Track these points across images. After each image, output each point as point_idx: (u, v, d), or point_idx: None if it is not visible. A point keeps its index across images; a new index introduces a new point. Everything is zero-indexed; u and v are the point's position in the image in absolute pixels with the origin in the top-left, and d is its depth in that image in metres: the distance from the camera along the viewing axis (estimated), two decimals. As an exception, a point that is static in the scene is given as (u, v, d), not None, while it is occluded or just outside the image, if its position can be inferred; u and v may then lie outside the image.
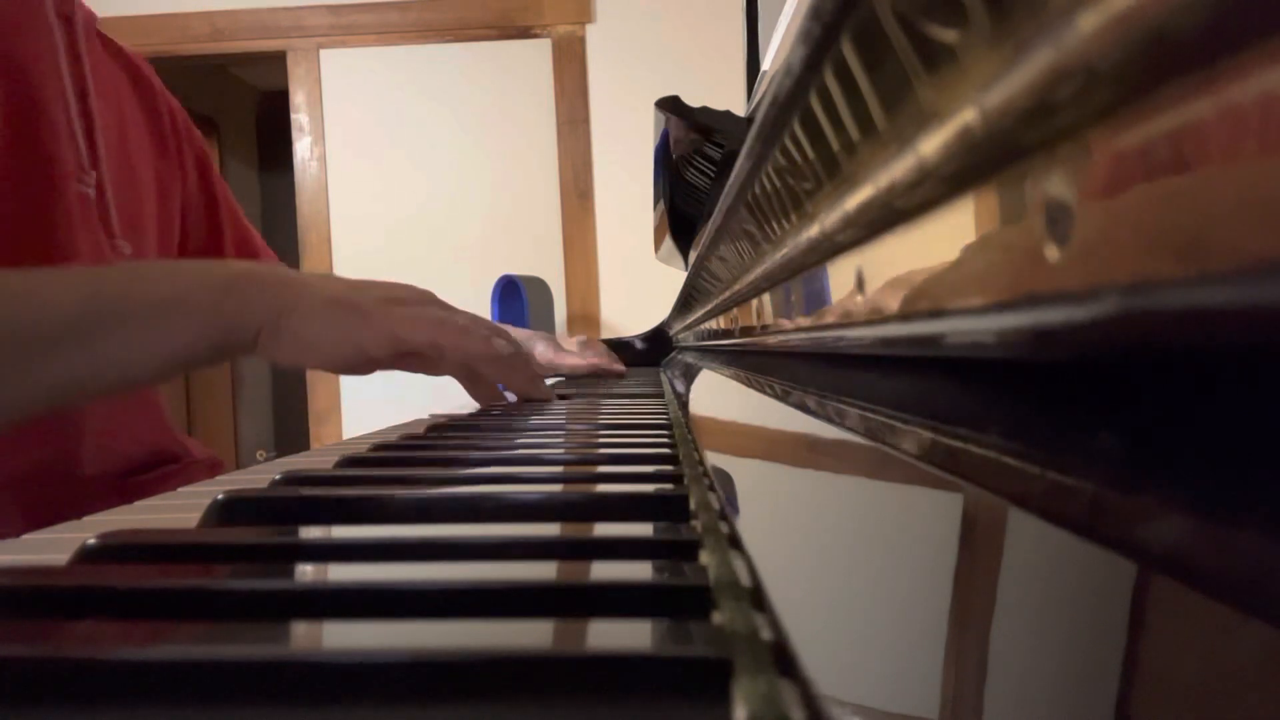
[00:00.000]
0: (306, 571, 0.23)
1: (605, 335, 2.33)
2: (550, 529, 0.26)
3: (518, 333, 1.02)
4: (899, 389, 0.24)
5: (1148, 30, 0.09)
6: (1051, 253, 0.12)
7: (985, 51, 0.13)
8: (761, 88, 0.54)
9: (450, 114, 2.97)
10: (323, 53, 2.97)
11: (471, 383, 0.68)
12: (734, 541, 0.23)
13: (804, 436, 0.29)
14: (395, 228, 2.98)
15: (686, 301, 1.10)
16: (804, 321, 0.33)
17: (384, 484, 0.34)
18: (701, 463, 0.37)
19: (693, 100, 0.80)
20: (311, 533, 0.28)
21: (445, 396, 0.70)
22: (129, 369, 0.53)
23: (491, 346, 0.63)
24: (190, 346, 0.53)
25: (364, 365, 0.58)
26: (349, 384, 2.90)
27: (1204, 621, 0.09)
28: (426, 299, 0.63)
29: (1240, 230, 0.08)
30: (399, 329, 0.57)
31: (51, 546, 0.29)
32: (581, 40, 2.89)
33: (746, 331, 0.54)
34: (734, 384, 0.55)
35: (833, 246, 0.26)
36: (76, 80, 0.71)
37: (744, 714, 0.14)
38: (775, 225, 0.35)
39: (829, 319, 0.28)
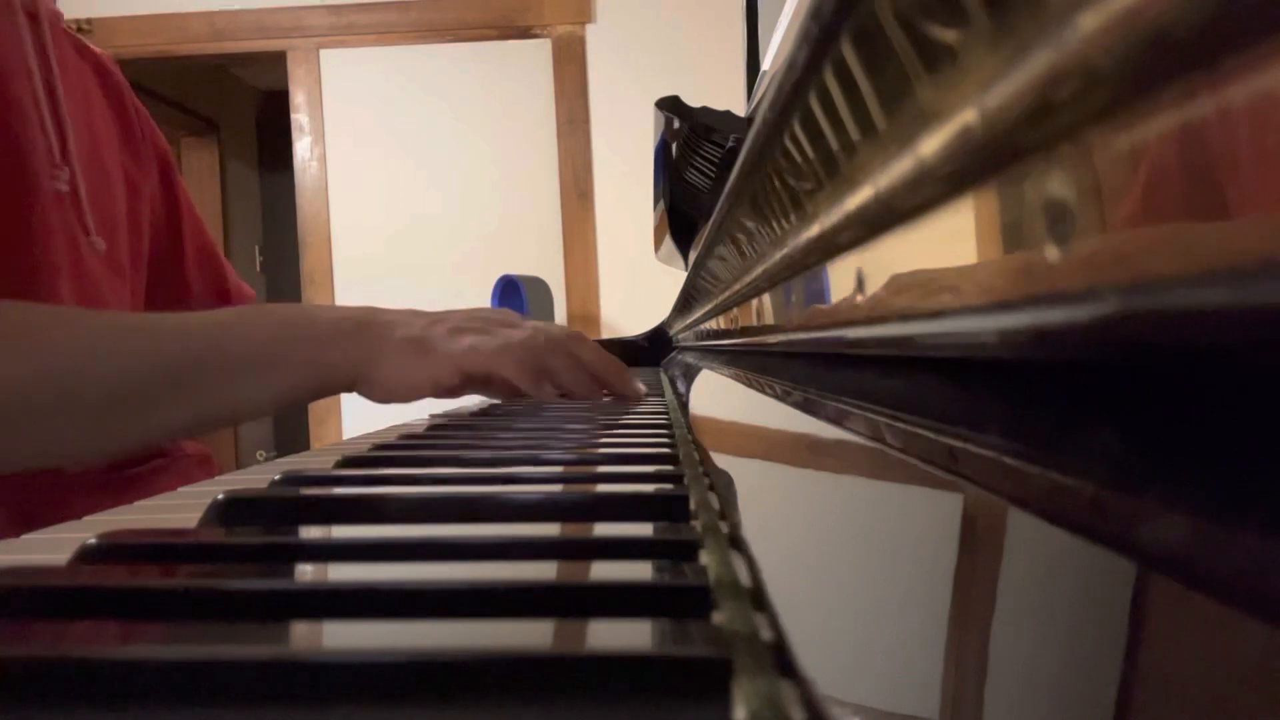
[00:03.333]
0: (306, 571, 0.23)
1: (605, 335, 2.33)
2: (550, 529, 0.26)
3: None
4: (899, 389, 0.24)
5: (1148, 30, 0.09)
6: (1051, 253, 0.12)
7: (985, 52, 0.13)
8: (761, 88, 0.54)
9: (450, 114, 2.97)
10: (323, 53, 2.97)
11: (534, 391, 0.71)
12: (734, 541, 0.23)
13: (804, 436, 0.29)
14: (395, 228, 2.98)
15: (686, 301, 1.09)
16: (804, 321, 0.33)
17: (384, 484, 0.34)
18: (702, 463, 0.37)
19: (693, 100, 0.80)
20: (311, 533, 0.28)
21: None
22: (238, 412, 0.60)
23: (543, 368, 0.67)
24: (294, 390, 0.61)
25: (442, 394, 0.65)
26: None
27: (1204, 621, 0.09)
28: (496, 321, 0.68)
29: (1240, 230, 0.08)
30: (461, 361, 0.63)
31: (51, 546, 0.29)
32: (581, 40, 2.89)
33: (746, 331, 0.54)
34: (734, 384, 0.55)
35: (833, 246, 0.26)
36: (45, 77, 0.71)
37: (744, 714, 0.14)
38: (775, 225, 0.35)
39: (829, 319, 0.28)
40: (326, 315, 0.64)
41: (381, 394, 0.63)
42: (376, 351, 0.62)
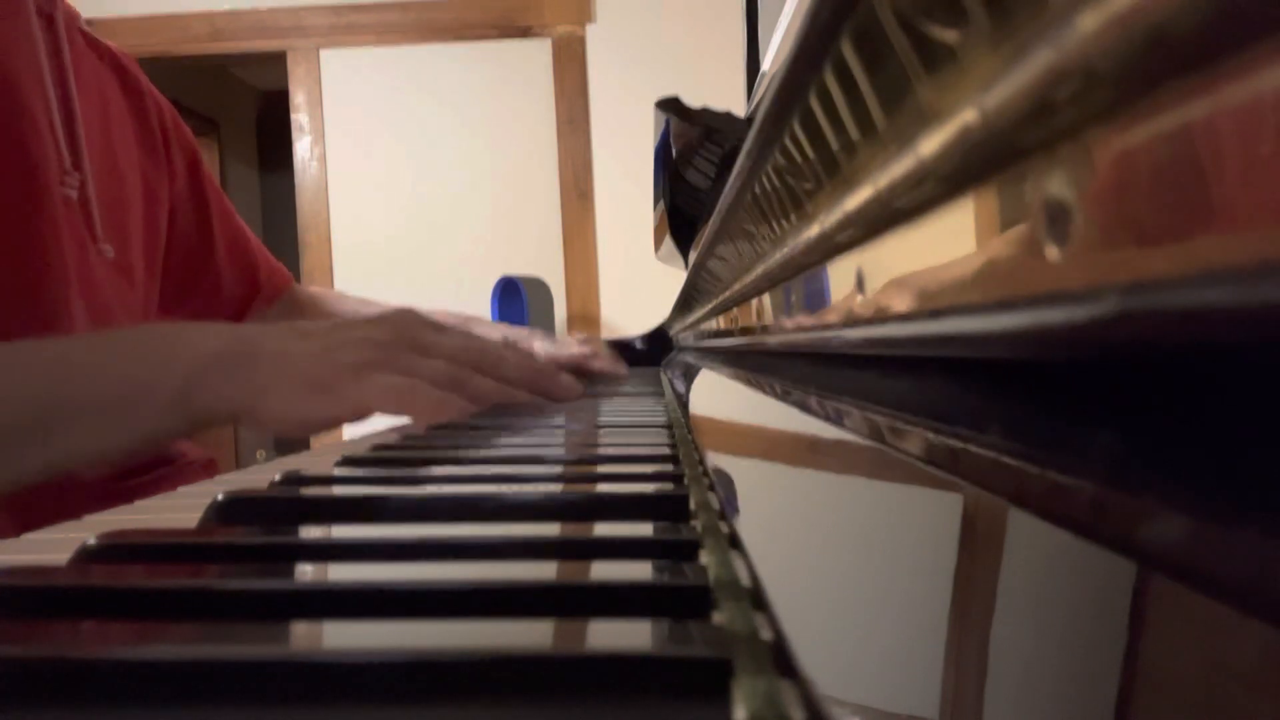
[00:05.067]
0: (306, 571, 0.23)
1: (605, 335, 2.33)
2: (550, 529, 0.26)
3: (515, 331, 1.02)
4: (899, 389, 0.24)
5: (1148, 30, 0.09)
6: (1051, 253, 0.12)
7: (985, 51, 0.13)
8: (761, 88, 0.54)
9: (450, 114, 2.97)
10: (323, 53, 2.97)
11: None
12: (734, 541, 0.23)
13: (804, 436, 0.29)
14: (395, 228, 2.98)
15: (686, 301, 1.09)
16: (804, 321, 0.33)
17: (384, 484, 0.34)
18: (701, 463, 0.37)
19: (693, 100, 0.80)
20: (311, 533, 0.28)
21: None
22: (96, 455, 0.54)
23: (466, 396, 0.63)
24: (158, 431, 0.55)
25: (341, 425, 0.60)
26: (349, 384, 2.90)
27: (1204, 621, 0.09)
28: (404, 344, 0.62)
29: (1240, 230, 0.08)
30: (369, 400, 0.58)
31: (51, 546, 0.29)
32: (581, 40, 2.89)
33: (746, 331, 0.54)
34: (734, 384, 0.55)
35: (833, 246, 0.26)
36: (58, 80, 0.71)
37: (744, 714, 0.14)
38: (775, 225, 0.35)
39: (829, 319, 0.28)
40: (204, 346, 0.56)
41: (273, 428, 0.58)
42: (262, 386, 0.56)
